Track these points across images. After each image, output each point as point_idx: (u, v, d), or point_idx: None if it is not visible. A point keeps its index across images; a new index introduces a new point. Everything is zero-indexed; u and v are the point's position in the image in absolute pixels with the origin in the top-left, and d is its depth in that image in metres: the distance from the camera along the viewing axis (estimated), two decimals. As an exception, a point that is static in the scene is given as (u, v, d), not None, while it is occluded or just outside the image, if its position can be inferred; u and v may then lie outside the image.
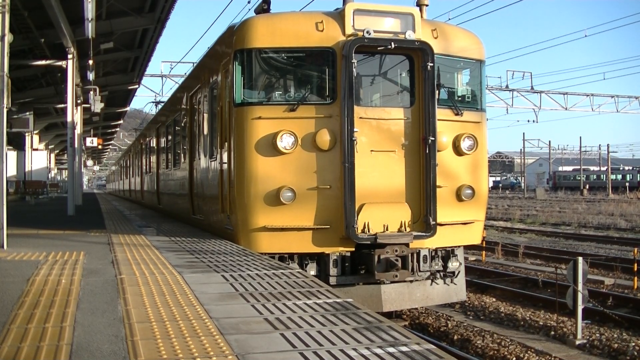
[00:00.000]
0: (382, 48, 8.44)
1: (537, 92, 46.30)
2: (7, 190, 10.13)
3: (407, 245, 8.36)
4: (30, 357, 3.57)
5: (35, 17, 17.20)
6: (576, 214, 37.42)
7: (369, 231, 8.27)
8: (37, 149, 35.30)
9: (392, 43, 8.32)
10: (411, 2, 9.43)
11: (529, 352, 8.76)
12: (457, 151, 8.94)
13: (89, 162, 71.09)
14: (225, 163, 9.18)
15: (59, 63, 19.35)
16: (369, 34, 8.34)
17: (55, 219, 16.42)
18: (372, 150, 8.48)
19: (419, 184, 8.58)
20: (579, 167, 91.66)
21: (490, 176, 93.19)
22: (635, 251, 13.58)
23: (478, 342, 9.41)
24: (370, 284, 8.53)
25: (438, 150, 8.54)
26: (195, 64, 14.37)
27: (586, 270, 9.51)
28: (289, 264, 8.12)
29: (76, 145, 21.01)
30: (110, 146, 73.35)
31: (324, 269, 8.43)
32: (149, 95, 72.95)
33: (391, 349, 3.74)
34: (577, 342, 9.12)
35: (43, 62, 20.36)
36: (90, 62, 20.40)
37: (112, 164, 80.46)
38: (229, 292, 5.43)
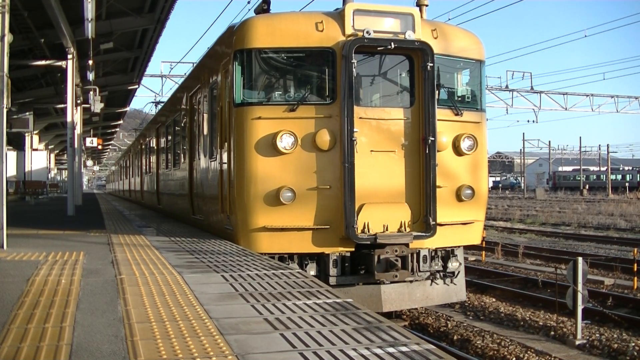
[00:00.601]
0: (382, 48, 8.44)
1: (537, 92, 46.32)
2: (7, 190, 10.13)
3: (407, 245, 8.36)
4: (30, 357, 3.57)
5: (35, 17, 17.20)
6: (576, 214, 37.42)
7: (368, 231, 8.27)
8: (37, 149, 35.30)
9: (392, 43, 8.32)
10: (411, 3, 9.44)
11: (528, 352, 8.76)
12: (457, 151, 8.94)
13: (89, 162, 71.13)
14: (225, 163, 9.18)
15: (59, 63, 19.36)
16: (369, 34, 8.34)
17: (55, 219, 16.41)
18: (372, 151, 8.48)
19: (419, 184, 8.58)
20: (578, 167, 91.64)
21: (490, 176, 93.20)
22: (635, 251, 13.58)
23: (478, 342, 9.41)
24: (370, 284, 8.53)
25: (438, 151, 8.54)
26: (195, 64, 14.38)
27: (586, 271, 9.51)
28: (288, 264, 8.12)
29: (76, 146, 21.00)
30: (110, 146, 73.34)
31: (324, 269, 8.43)
32: (149, 95, 73.00)
33: (391, 349, 3.74)
34: (577, 342, 9.13)
35: (43, 62, 20.37)
36: (90, 62, 20.40)
37: (111, 164, 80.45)
38: (229, 292, 5.43)
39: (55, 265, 6.97)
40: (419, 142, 8.62)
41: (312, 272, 8.33)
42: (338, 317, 4.56)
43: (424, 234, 8.48)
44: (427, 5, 9.28)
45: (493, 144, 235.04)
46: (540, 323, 10.31)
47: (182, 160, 13.71)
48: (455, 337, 9.85)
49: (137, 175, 26.87)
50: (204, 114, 11.15)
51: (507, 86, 45.21)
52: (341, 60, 8.22)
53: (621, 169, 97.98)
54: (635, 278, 13.32)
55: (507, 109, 47.21)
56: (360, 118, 8.37)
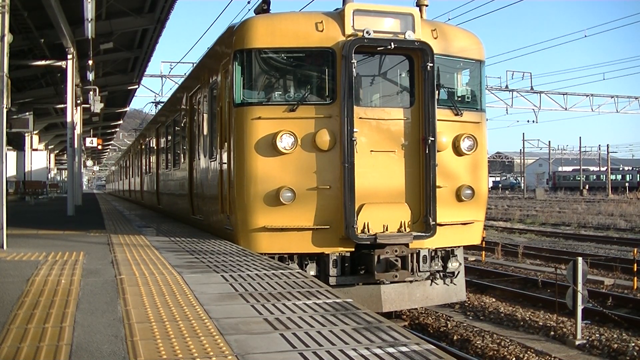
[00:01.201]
0: (382, 48, 8.44)
1: (536, 93, 46.34)
2: (7, 190, 10.13)
3: (406, 245, 8.36)
4: (30, 357, 3.57)
5: (35, 17, 17.20)
6: (576, 214, 37.43)
7: (368, 231, 8.26)
8: (36, 149, 35.29)
9: (392, 43, 8.32)
10: (411, 3, 9.44)
11: (528, 352, 8.76)
12: (457, 151, 8.94)
13: (89, 163, 71.14)
14: (225, 163, 9.17)
15: (59, 63, 19.36)
16: (369, 34, 8.34)
17: (55, 219, 16.41)
18: (371, 151, 8.48)
19: (419, 184, 8.58)
20: (578, 167, 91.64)
21: (490, 176, 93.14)
22: (635, 251, 13.58)
23: (478, 342, 9.41)
24: (370, 284, 8.53)
25: (438, 151, 8.54)
26: (194, 65, 14.39)
27: (586, 271, 9.51)
28: (288, 264, 8.11)
29: (76, 146, 21.00)
30: (110, 146, 73.33)
31: (324, 269, 8.42)
32: (149, 95, 72.96)
33: (391, 349, 3.74)
34: (577, 343, 9.12)
35: (43, 63, 20.38)
36: (90, 62, 20.40)
37: (111, 164, 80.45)
38: (229, 293, 5.43)
39: (55, 266, 6.97)
40: (418, 142, 8.61)
41: (312, 272, 8.33)
42: (338, 317, 4.56)
43: (423, 234, 8.48)
44: (427, 6, 9.28)
45: (493, 144, 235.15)
46: (540, 323, 10.31)
47: (182, 160, 13.71)
48: (455, 337, 9.85)
49: (137, 175, 26.87)
50: (204, 114, 11.15)
51: (507, 86, 45.23)
52: (341, 60, 8.22)
53: (621, 169, 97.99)
54: (635, 278, 13.32)
55: (507, 109, 47.28)
56: (360, 118, 8.37)
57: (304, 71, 8.90)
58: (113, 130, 53.53)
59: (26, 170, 33.96)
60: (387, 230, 8.33)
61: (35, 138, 34.55)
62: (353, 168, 8.14)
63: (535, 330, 10.07)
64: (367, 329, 4.22)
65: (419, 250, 8.74)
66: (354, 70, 8.19)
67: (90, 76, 21.71)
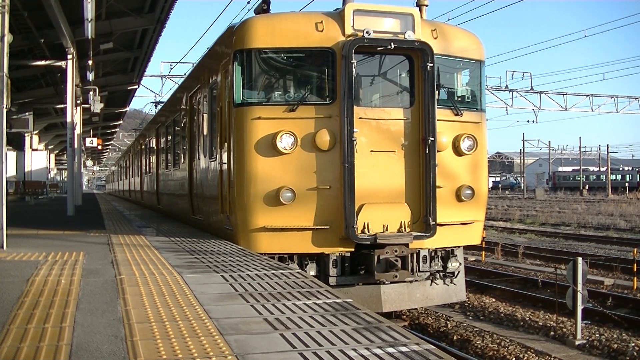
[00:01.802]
0: (382, 48, 8.43)
1: (536, 93, 46.37)
2: (7, 190, 10.13)
3: (406, 245, 8.35)
4: (30, 357, 3.57)
5: (34, 17, 17.20)
6: (576, 214, 37.43)
7: (368, 231, 8.25)
8: (36, 149, 35.30)
9: (392, 43, 8.31)
10: (411, 3, 9.43)
11: (528, 352, 8.76)
12: (457, 151, 8.93)
13: (89, 163, 71.15)
14: (225, 163, 9.17)
15: (59, 63, 19.36)
16: (369, 34, 8.33)
17: (55, 219, 16.41)
18: (371, 151, 8.47)
19: (419, 185, 8.58)
20: (578, 167, 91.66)
21: (490, 176, 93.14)
22: (635, 251, 13.58)
23: (478, 342, 9.41)
24: (370, 284, 8.52)
25: (438, 151, 8.53)
26: (194, 65, 14.38)
27: (586, 271, 9.51)
28: (288, 264, 8.10)
29: (76, 146, 21.00)
30: (110, 146, 73.34)
31: (324, 269, 8.42)
32: (149, 95, 72.90)
33: (391, 349, 3.74)
34: (577, 343, 9.13)
35: (43, 63, 20.37)
36: (90, 62, 20.40)
37: (111, 164, 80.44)
38: (229, 293, 5.43)
39: (55, 266, 6.97)
40: (418, 142, 8.61)
41: (312, 273, 8.32)
42: (338, 317, 4.56)
43: (423, 234, 8.47)
44: (427, 6, 9.27)
45: (493, 144, 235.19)
46: (540, 323, 10.31)
47: (182, 160, 13.70)
48: (455, 337, 9.85)
49: (137, 175, 26.87)
50: (204, 114, 11.15)
51: (507, 86, 45.25)
52: (341, 60, 8.21)
53: (621, 169, 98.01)
54: (635, 278, 13.32)
55: (507, 109, 47.30)
56: (360, 118, 8.37)
57: (304, 71, 8.89)
58: (113, 131, 53.53)
59: (26, 170, 33.97)
60: (387, 230, 8.33)
61: (35, 138, 34.55)
62: (353, 168, 8.14)
63: (535, 330, 10.07)
64: (367, 329, 4.22)
65: (419, 250, 8.74)
66: (354, 70, 8.19)
67: (90, 76, 21.71)
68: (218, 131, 9.65)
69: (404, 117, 8.67)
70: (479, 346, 9.23)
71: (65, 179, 39.09)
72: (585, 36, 40.96)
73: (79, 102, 23.05)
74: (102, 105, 25.00)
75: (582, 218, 34.39)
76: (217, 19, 23.65)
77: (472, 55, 9.35)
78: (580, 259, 9.37)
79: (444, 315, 11.18)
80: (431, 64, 8.42)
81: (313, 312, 4.74)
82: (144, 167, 23.74)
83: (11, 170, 32.46)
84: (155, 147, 19.47)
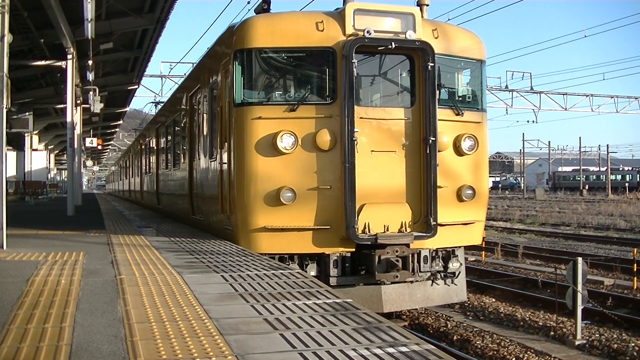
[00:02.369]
0: (383, 48, 8.41)
1: (536, 93, 46.38)
2: (7, 190, 10.12)
3: (407, 245, 8.33)
4: (30, 357, 3.57)
5: (34, 17, 17.20)
6: (576, 214, 37.42)
7: (369, 232, 8.23)
8: (36, 150, 35.29)
9: (393, 43, 8.29)
10: (411, 2, 9.42)
11: (528, 352, 8.76)
12: (458, 151, 8.91)
13: (89, 163, 71.10)
14: (225, 163, 9.15)
15: (59, 63, 19.36)
16: (370, 34, 8.31)
17: (55, 219, 16.41)
18: (372, 151, 8.45)
19: (420, 184, 8.56)
20: (578, 167, 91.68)
21: (490, 176, 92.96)
22: (635, 251, 13.58)
23: (477, 342, 9.41)
24: (371, 284, 8.50)
25: (439, 151, 8.51)
26: (195, 64, 14.34)
27: (586, 271, 9.51)
28: (289, 265, 8.08)
29: (76, 146, 21.00)
30: (110, 146, 73.34)
31: (324, 269, 8.39)
32: (149, 95, 72.88)
33: (391, 349, 3.74)
34: (577, 343, 9.12)
35: (43, 63, 20.38)
36: (90, 62, 20.40)
37: (111, 164, 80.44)
38: (229, 293, 5.43)
39: (55, 266, 6.97)
40: (419, 142, 8.59)
41: (313, 273, 8.30)
42: (338, 317, 4.55)
43: (424, 234, 8.45)
44: (427, 5, 9.24)
45: (493, 144, 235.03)
46: (540, 323, 10.31)
47: (182, 160, 13.69)
48: (455, 337, 9.85)
49: (137, 175, 26.87)
50: (204, 114, 11.13)
51: (507, 86, 45.26)
52: (341, 60, 8.19)
53: (621, 169, 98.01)
54: (635, 278, 13.31)
55: (507, 109, 47.31)
56: (360, 118, 8.35)
57: (304, 71, 8.88)
58: (113, 131, 53.53)
59: (26, 170, 33.97)
60: (387, 230, 8.31)
61: (35, 138, 34.55)
62: (354, 168, 8.12)
63: (535, 330, 10.07)
64: (367, 329, 4.22)
65: (420, 251, 8.71)
66: (354, 70, 8.17)
67: (90, 76, 21.71)
68: (218, 131, 9.63)
69: (405, 117, 8.66)
70: (479, 346, 9.23)
71: (65, 179, 39.09)
72: (585, 36, 41.03)
73: (79, 102, 23.05)
74: (102, 105, 25.00)
75: (582, 218, 34.39)
76: (217, 19, 23.66)
77: (473, 55, 9.34)
78: (580, 259, 9.36)
79: (444, 315, 11.18)
80: (432, 64, 8.40)
81: (313, 312, 4.74)
82: (144, 167, 23.73)
83: (11, 170, 32.45)
84: (155, 147, 19.47)
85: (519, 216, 36.24)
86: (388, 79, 9.18)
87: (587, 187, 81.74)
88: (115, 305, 4.92)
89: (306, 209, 8.22)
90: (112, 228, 12.52)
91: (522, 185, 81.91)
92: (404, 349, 3.76)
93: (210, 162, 10.40)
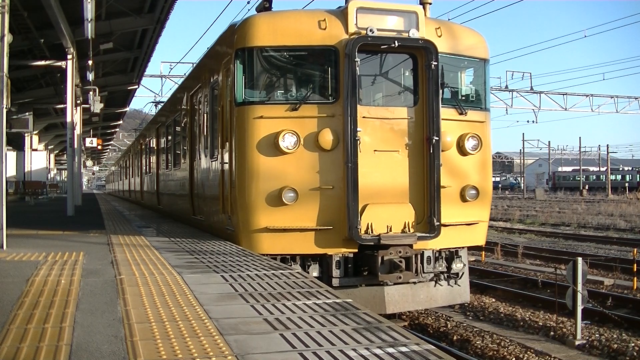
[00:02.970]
0: (386, 47, 8.33)
1: (536, 93, 46.36)
2: (7, 190, 10.12)
3: (410, 246, 8.26)
4: (30, 357, 3.57)
5: (34, 17, 17.20)
6: (575, 214, 37.41)
7: (372, 232, 8.14)
8: (36, 150, 35.29)
9: (396, 41, 8.21)
10: (415, 1, 9.36)
11: (528, 352, 8.76)
12: (462, 151, 8.83)
13: (89, 163, 71.12)
14: (227, 163, 9.09)
15: (59, 63, 19.36)
16: (372, 33, 8.21)
17: (55, 219, 16.41)
18: (375, 150, 8.38)
19: (423, 184, 8.48)
20: (578, 167, 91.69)
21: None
22: (635, 252, 13.59)
23: (477, 342, 9.41)
24: (373, 285, 8.43)
25: (442, 150, 8.44)
26: (195, 64, 14.24)
27: (585, 271, 9.51)
28: (291, 266, 7.99)
29: (76, 146, 21.00)
30: (110, 147, 73.34)
31: (327, 270, 8.33)
32: (149, 95, 72.96)
33: (391, 349, 3.74)
34: (577, 343, 9.12)
35: (42, 63, 20.37)
36: (90, 62, 20.39)
37: (111, 164, 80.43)
38: (229, 293, 5.43)
39: (55, 266, 6.97)
40: (422, 142, 8.52)
41: (315, 274, 8.23)
42: (338, 318, 4.55)
43: (428, 234, 8.34)
44: (430, 4, 9.14)
45: (493, 144, 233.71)
46: (540, 323, 10.31)
47: (183, 160, 13.66)
48: (455, 338, 9.85)
49: (137, 175, 26.86)
50: (205, 114, 11.08)
51: (506, 86, 45.25)
52: (344, 58, 8.12)
53: (621, 169, 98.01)
54: (635, 278, 13.31)
55: (506, 109, 47.30)
56: (363, 117, 8.28)
57: (306, 70, 8.80)
58: (113, 131, 53.53)
59: (26, 170, 33.98)
60: (390, 230, 8.23)
61: (35, 138, 34.55)
62: (356, 168, 8.04)
63: (535, 330, 10.06)
64: (367, 329, 4.21)
65: (423, 251, 8.63)
66: (357, 68, 8.09)
67: (90, 76, 21.70)
68: (219, 131, 9.56)
69: (408, 116, 8.58)
70: (479, 346, 9.23)
71: (65, 179, 39.09)
72: (585, 36, 41.05)
73: (78, 102, 23.06)
74: (102, 105, 24.99)
75: (582, 218, 34.38)
76: (217, 19, 23.62)
77: (476, 54, 9.26)
78: (580, 259, 9.36)
79: (444, 316, 11.18)
80: (435, 63, 8.33)
81: (313, 312, 4.73)
82: (144, 167, 23.72)
83: (11, 171, 32.47)
84: (155, 147, 19.45)
85: (518, 216, 36.23)
86: (391, 78, 9.10)
87: (587, 187, 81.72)
88: (115, 305, 4.92)
89: (308, 209, 8.15)
90: (112, 228, 12.52)
91: (522, 185, 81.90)
92: (404, 349, 3.76)
93: (212, 162, 10.35)
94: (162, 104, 24.98)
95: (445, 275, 9.09)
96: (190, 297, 5.24)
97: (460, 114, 8.89)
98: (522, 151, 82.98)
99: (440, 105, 8.43)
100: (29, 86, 26.61)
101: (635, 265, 13.41)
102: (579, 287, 9.21)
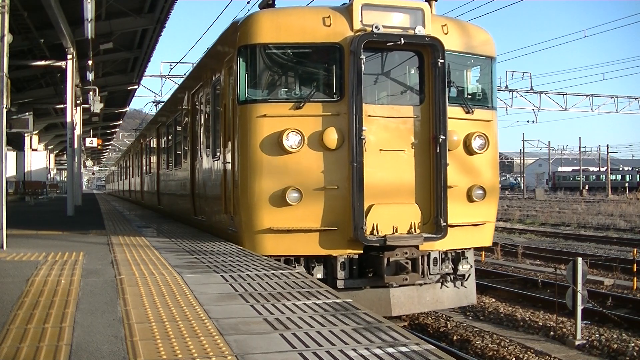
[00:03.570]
0: (392, 44, 8.17)
1: (536, 93, 46.37)
2: (7, 190, 10.12)
3: (417, 247, 8.10)
4: (30, 357, 3.56)
5: (34, 17, 17.20)
6: (575, 214, 37.41)
7: (377, 233, 7.98)
8: (36, 150, 35.29)
9: (402, 39, 8.07)
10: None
11: (528, 352, 8.76)
12: (468, 150, 8.69)
13: (89, 163, 71.09)
14: (229, 163, 8.94)
15: (59, 63, 19.36)
16: (378, 30, 8.05)
17: (55, 219, 16.41)
18: (380, 150, 8.23)
19: (429, 184, 8.32)
20: (578, 167, 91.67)
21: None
22: (635, 252, 13.59)
23: (477, 342, 9.41)
24: (378, 287, 8.28)
25: (448, 150, 8.30)
26: (197, 62, 14.05)
27: (585, 271, 9.50)
28: (295, 267, 7.84)
29: (75, 146, 21.01)
30: (110, 146, 73.33)
31: (331, 272, 8.17)
32: (149, 95, 72.91)
33: (390, 349, 3.74)
34: (577, 343, 9.12)
35: (42, 63, 20.37)
36: (90, 62, 20.40)
37: (111, 164, 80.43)
38: (229, 293, 5.43)
39: (54, 266, 6.96)
40: (429, 141, 8.36)
41: (319, 275, 8.07)
42: (338, 318, 4.55)
43: (434, 235, 8.19)
44: (436, 0, 8.98)
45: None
46: (540, 323, 10.31)
47: (184, 160, 13.55)
48: (454, 338, 9.85)
49: (137, 175, 26.84)
50: (207, 113, 10.96)
51: (506, 86, 45.22)
52: (349, 56, 7.98)
53: (621, 169, 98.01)
54: (635, 278, 13.32)
55: (506, 109, 47.31)
56: (368, 116, 8.12)
57: (310, 67, 8.64)
58: (113, 131, 53.53)
59: (26, 170, 33.98)
60: (396, 231, 8.05)
61: (35, 138, 34.55)
62: (362, 167, 7.89)
63: (535, 330, 10.06)
64: (366, 329, 4.21)
65: (429, 252, 8.47)
66: (362, 66, 7.95)
67: (90, 76, 21.70)
68: (222, 130, 9.40)
69: (414, 114, 8.44)
70: (479, 346, 9.23)
71: (65, 179, 39.09)
72: (585, 36, 41.06)
73: (78, 102, 23.05)
74: (102, 105, 24.98)
75: (582, 218, 34.38)
76: (217, 19, 23.61)
77: (483, 52, 9.12)
78: (580, 259, 9.36)
79: (444, 316, 11.18)
80: (442, 60, 8.19)
81: (313, 312, 4.73)
82: (144, 167, 23.70)
83: (11, 171, 32.46)
84: (156, 147, 19.41)
85: (518, 216, 36.23)
86: (396, 76, 8.92)
87: (587, 187, 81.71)
88: (115, 305, 4.92)
89: (313, 210, 8.00)
90: (112, 228, 12.52)
91: (522, 185, 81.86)
92: (404, 349, 3.76)
93: (214, 161, 10.22)
94: (162, 104, 24.98)
95: (452, 276, 8.93)
96: (190, 297, 5.24)
97: (467, 112, 8.75)
98: (522, 151, 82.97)
99: (447, 103, 8.31)
100: (29, 86, 26.61)
101: (635, 265, 13.42)
102: (579, 287, 9.21)
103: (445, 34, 8.55)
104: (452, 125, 8.40)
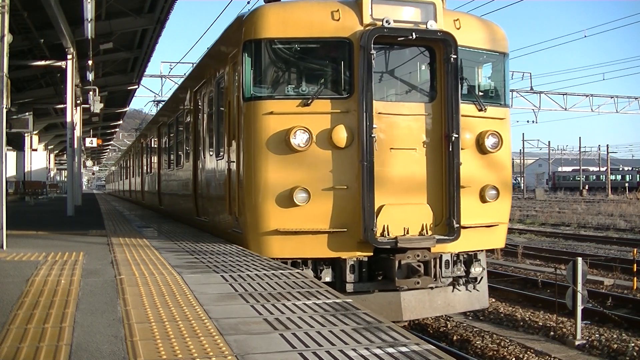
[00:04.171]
0: (403, 39, 7.93)
1: (536, 93, 46.37)
2: (7, 190, 10.12)
3: (428, 249, 7.84)
4: (30, 357, 3.57)
5: (34, 17, 17.20)
6: (575, 214, 37.41)
7: (388, 234, 7.74)
8: (36, 150, 35.30)
9: (413, 33, 7.79)
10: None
11: (528, 352, 8.76)
12: (481, 149, 8.43)
13: (89, 163, 71.07)
14: (234, 162, 8.71)
15: (59, 63, 19.36)
16: (389, 24, 7.80)
17: (55, 219, 16.41)
18: (391, 148, 7.97)
19: (442, 184, 8.07)
20: (578, 167, 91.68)
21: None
22: (635, 252, 13.58)
23: (477, 342, 9.41)
24: (388, 290, 8.02)
25: (461, 148, 8.05)
26: (199, 58, 13.75)
27: (585, 271, 9.50)
28: (302, 270, 7.46)
29: (75, 146, 21.01)
30: (110, 146, 73.33)
31: (340, 275, 7.93)
32: (149, 95, 72.94)
33: (390, 349, 3.74)
34: (577, 343, 9.13)
35: (42, 63, 20.37)
36: (90, 62, 20.39)
37: (111, 164, 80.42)
38: (229, 293, 5.43)
39: (54, 266, 6.96)
40: (441, 140, 8.12)
41: (328, 279, 7.85)
42: (338, 318, 4.55)
43: (447, 237, 7.92)
44: None
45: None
46: (540, 323, 10.31)
47: (186, 159, 13.37)
48: (454, 338, 9.85)
49: (138, 175, 26.81)
50: (210, 111, 10.76)
51: (507, 86, 45.12)
52: (359, 51, 7.72)
53: (621, 169, 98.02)
54: (635, 278, 13.31)
55: (506, 109, 47.14)
56: (378, 113, 7.85)
57: (318, 63, 8.33)
58: (113, 131, 53.52)
59: (26, 170, 34.00)
60: (408, 233, 7.80)
61: (35, 138, 34.53)
62: (372, 167, 7.63)
63: (535, 330, 10.07)
64: (366, 329, 4.22)
65: (441, 255, 8.21)
66: (373, 62, 7.68)
67: (90, 76, 21.69)
68: (226, 128, 9.18)
69: (425, 112, 8.18)
70: (479, 346, 9.23)
71: (65, 179, 39.10)
72: (585, 36, 40.97)
73: (78, 102, 23.05)
74: (102, 105, 24.97)
75: (582, 218, 34.38)
76: (217, 19, 23.58)
77: (496, 48, 8.84)
78: (580, 259, 9.35)
79: (444, 315, 11.17)
80: (455, 56, 7.92)
81: (313, 312, 4.73)
82: (145, 167, 23.67)
83: (11, 171, 32.50)
84: (157, 147, 19.35)
85: (518, 216, 36.22)
86: (407, 72, 8.65)
87: (587, 187, 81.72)
88: (115, 305, 4.92)
89: (321, 211, 7.73)
90: (112, 228, 12.52)
91: (522, 185, 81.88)
92: (403, 349, 3.76)
93: (217, 160, 10.00)
94: (163, 103, 24.94)
95: (464, 279, 8.66)
96: (190, 297, 5.24)
97: (480, 110, 8.48)
98: (522, 151, 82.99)
99: (460, 100, 8.04)
100: (29, 86, 26.61)
101: (635, 265, 13.41)
102: (579, 287, 9.21)
103: (458, 28, 8.29)
104: (464, 123, 8.12)
